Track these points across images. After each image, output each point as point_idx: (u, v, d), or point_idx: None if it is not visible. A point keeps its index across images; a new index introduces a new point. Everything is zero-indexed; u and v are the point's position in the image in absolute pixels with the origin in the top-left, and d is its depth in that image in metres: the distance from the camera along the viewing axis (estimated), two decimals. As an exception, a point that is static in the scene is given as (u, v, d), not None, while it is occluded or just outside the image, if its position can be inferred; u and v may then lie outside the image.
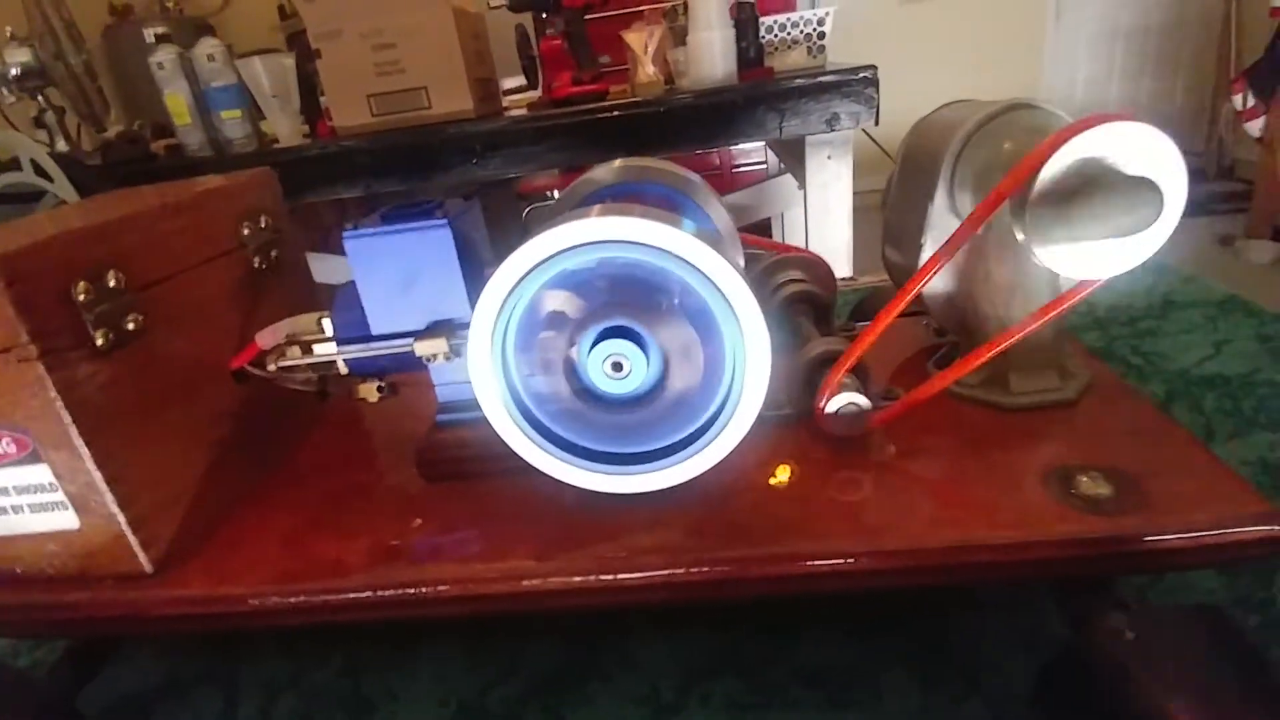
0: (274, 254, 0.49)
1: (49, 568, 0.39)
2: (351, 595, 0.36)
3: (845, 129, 1.33)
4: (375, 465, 0.45)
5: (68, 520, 0.37)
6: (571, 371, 0.36)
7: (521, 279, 0.34)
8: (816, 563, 0.34)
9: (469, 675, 0.42)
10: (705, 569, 0.34)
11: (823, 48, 1.57)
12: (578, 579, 0.34)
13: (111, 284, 0.37)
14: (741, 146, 2.90)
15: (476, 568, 0.36)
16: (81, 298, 0.35)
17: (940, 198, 0.42)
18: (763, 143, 2.48)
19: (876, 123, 1.33)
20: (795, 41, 1.60)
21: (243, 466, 0.44)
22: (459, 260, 0.40)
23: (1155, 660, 0.29)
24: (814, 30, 1.61)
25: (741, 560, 0.34)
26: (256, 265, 0.47)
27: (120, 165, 1.49)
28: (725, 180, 3.07)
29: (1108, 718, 0.29)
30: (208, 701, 0.43)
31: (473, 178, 1.39)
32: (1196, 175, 3.12)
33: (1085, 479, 0.34)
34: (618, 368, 0.35)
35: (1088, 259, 0.34)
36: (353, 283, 0.41)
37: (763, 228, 2.40)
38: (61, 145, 1.58)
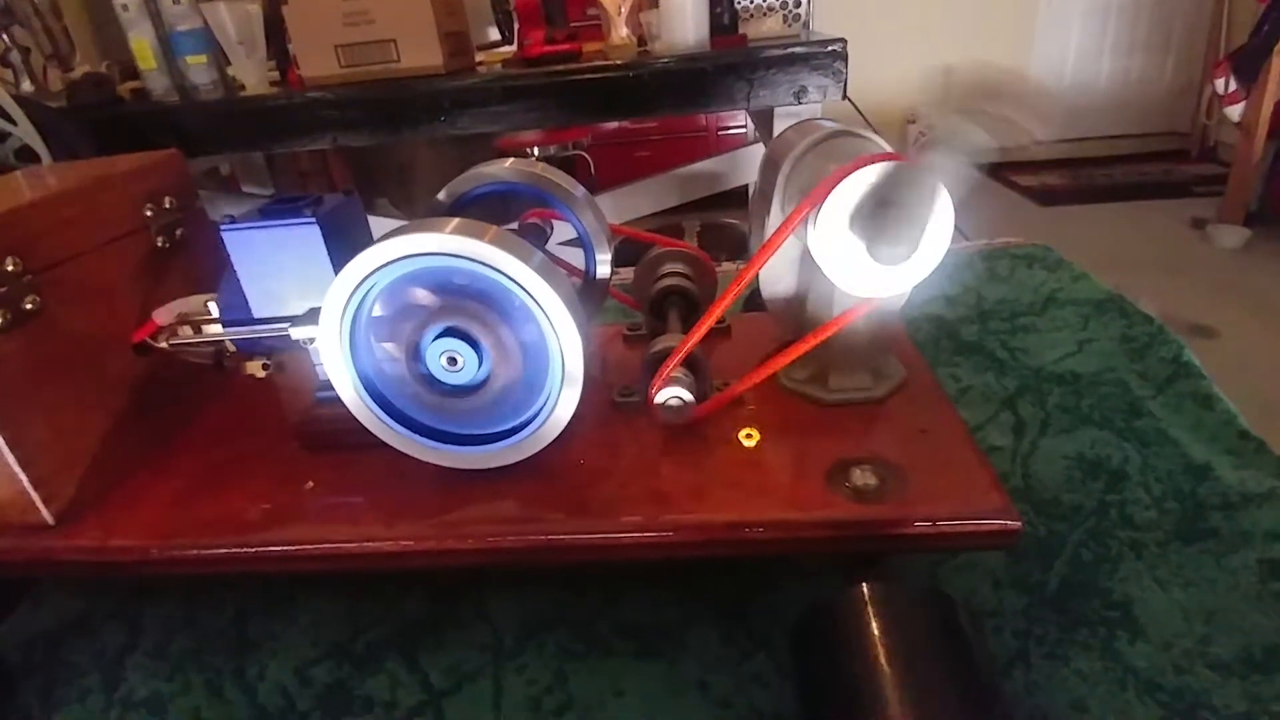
0: (179, 232, 0.52)
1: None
2: (221, 551, 0.41)
3: (812, 102, 1.33)
4: (264, 434, 0.50)
5: (-25, 477, 0.42)
6: (417, 359, 0.41)
7: (360, 283, 0.38)
8: (620, 534, 0.39)
9: (344, 622, 0.48)
10: (527, 538, 0.39)
11: (799, 16, 1.56)
12: (411, 543, 0.39)
13: (10, 268, 0.41)
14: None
15: (332, 529, 0.41)
16: (-21, 282, 0.39)
17: (775, 211, 0.46)
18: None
19: (843, 97, 1.33)
20: (771, 9, 1.59)
21: (143, 432, 0.49)
22: (332, 252, 0.44)
23: (867, 630, 0.34)
24: (790, -2, 1.59)
25: (556, 532, 0.39)
26: (160, 244, 0.51)
27: (86, 109, 1.48)
28: (710, 142, 3.07)
29: (829, 672, 0.34)
30: (113, 637, 0.49)
31: (442, 134, 1.39)
32: (1179, 156, 3.12)
33: (858, 471, 0.39)
34: (453, 361, 0.39)
35: (864, 279, 0.38)
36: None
37: (738, 195, 2.42)
38: (27, 86, 1.57)
